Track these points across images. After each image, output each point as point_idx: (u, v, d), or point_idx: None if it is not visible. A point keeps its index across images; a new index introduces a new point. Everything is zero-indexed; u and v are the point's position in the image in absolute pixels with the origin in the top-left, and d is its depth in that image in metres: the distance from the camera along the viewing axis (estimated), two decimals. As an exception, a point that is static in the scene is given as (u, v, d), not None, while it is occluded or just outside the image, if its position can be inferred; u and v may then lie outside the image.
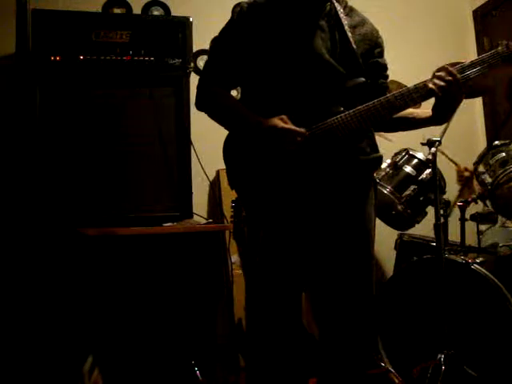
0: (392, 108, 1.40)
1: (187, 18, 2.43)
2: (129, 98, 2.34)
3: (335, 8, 1.51)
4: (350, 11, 1.56)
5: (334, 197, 1.49)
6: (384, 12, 3.38)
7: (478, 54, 3.47)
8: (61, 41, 2.27)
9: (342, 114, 1.40)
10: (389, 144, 3.13)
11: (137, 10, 2.96)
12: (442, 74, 1.36)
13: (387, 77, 1.61)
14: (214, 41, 1.60)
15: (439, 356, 1.92)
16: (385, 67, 1.58)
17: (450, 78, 1.35)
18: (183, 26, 2.40)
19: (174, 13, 2.97)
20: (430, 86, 1.37)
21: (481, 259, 2.16)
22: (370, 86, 1.52)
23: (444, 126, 2.21)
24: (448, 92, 1.36)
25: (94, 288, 2.23)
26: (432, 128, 2.56)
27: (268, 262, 1.55)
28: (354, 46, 1.47)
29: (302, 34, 1.47)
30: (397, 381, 2.22)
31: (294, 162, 1.43)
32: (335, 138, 1.41)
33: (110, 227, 2.22)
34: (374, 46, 1.55)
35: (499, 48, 1.39)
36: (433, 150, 2.08)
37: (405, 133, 3.13)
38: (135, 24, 2.40)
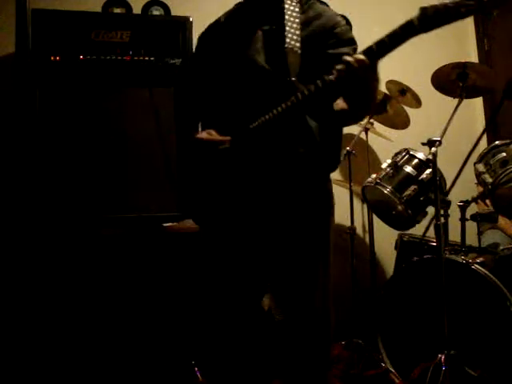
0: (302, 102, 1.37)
1: (187, 18, 2.43)
2: (129, 98, 2.34)
3: (283, 10, 1.51)
4: (308, 7, 1.55)
5: (270, 198, 1.50)
6: (383, 12, 3.39)
7: (479, 55, 3.49)
8: (61, 41, 2.27)
9: (268, 114, 1.41)
10: (389, 144, 3.15)
11: (137, 9, 2.96)
12: (347, 58, 1.30)
13: None
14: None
15: (439, 356, 1.92)
16: (336, 57, 1.41)
17: (351, 59, 1.29)
18: (183, 26, 2.40)
19: (173, 13, 2.97)
20: (335, 72, 1.32)
21: (481, 259, 2.16)
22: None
23: (444, 125, 2.21)
24: (350, 72, 1.30)
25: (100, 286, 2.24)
26: (432, 128, 2.56)
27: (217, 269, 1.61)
28: (292, 45, 1.47)
29: (239, 46, 1.55)
30: (397, 381, 2.22)
31: (229, 166, 1.51)
32: (262, 137, 1.45)
33: (110, 228, 2.22)
34: (327, 37, 1.51)
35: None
36: (433, 149, 2.08)
37: (405, 132, 3.15)
38: (135, 24, 2.40)
